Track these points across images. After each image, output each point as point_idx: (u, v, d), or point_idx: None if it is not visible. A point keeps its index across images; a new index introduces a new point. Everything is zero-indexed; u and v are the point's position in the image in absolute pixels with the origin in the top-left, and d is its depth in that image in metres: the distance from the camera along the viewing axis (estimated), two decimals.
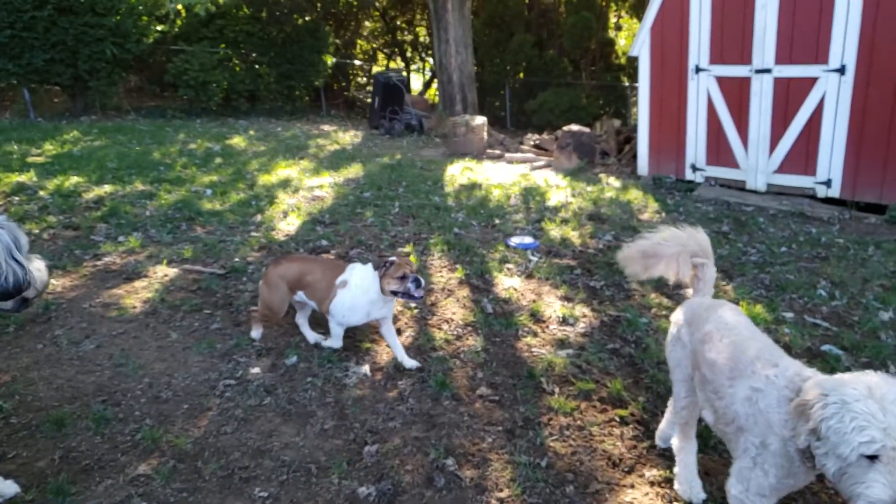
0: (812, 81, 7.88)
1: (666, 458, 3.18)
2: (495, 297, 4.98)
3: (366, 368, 3.90)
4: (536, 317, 4.67)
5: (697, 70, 8.73)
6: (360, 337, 4.27)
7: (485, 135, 11.65)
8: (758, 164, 8.54)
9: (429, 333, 4.36)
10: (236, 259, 5.57)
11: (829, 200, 8.19)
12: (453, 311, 4.73)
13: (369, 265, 3.93)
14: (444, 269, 5.49)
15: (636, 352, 4.21)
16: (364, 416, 3.45)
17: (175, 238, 6.07)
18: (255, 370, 3.88)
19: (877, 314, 4.85)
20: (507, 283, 5.24)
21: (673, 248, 2.93)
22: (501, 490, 2.93)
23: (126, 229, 6.19)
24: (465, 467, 3.07)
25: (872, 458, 1.81)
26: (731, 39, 8.35)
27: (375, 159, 10.11)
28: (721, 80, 8.59)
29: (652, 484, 2.99)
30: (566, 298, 5.00)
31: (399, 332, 4.36)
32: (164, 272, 5.24)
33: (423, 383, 3.77)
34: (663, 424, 3.21)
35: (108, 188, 7.55)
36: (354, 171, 9.08)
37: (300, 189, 7.89)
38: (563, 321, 4.63)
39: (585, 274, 5.53)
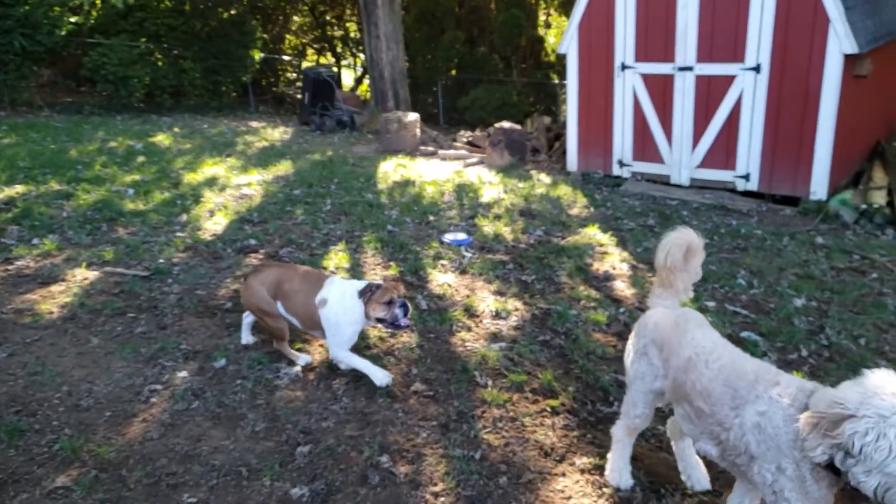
0: (731, 79, 8.21)
1: (595, 445, 3.26)
2: (430, 294, 4.99)
3: (297, 369, 3.83)
4: (470, 312, 4.70)
5: (623, 67, 8.96)
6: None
7: (418, 131, 11.65)
8: (681, 160, 8.84)
9: (362, 332, 4.32)
10: (161, 260, 5.38)
11: (748, 193, 8.55)
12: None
13: (352, 283, 3.66)
14: (377, 266, 5.45)
15: (566, 343, 4.29)
16: (296, 417, 3.39)
17: (95, 240, 5.81)
18: (183, 374, 3.76)
19: (791, 301, 5.10)
20: (442, 280, 5.25)
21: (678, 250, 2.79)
22: (436, 484, 2.94)
23: (41, 231, 5.89)
24: (399, 463, 3.07)
25: None
26: (655, 38, 8.61)
27: (306, 156, 9.95)
28: (646, 78, 8.84)
29: (582, 472, 3.06)
30: (499, 293, 5.06)
31: None
32: (83, 275, 5.01)
33: (357, 382, 3.73)
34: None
35: (19, 188, 7.16)
36: (284, 168, 8.91)
37: (227, 187, 7.69)
38: (496, 315, 4.67)
39: (517, 269, 5.60)
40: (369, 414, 3.44)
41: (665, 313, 2.75)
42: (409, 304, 3.56)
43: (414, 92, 17.83)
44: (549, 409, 3.56)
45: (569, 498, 2.90)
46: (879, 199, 8.02)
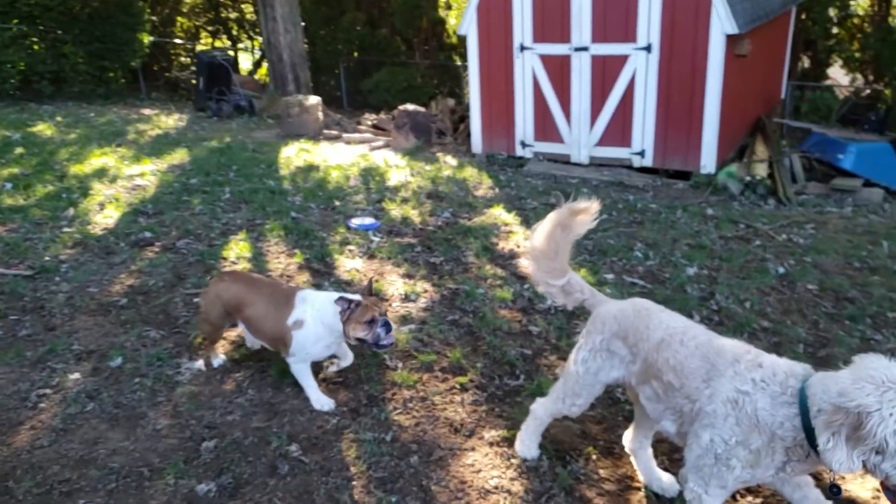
0: (624, 59, 8.51)
1: (503, 418, 3.34)
2: (337, 280, 4.93)
3: (200, 363, 3.70)
4: (379, 296, 4.68)
5: (522, 48, 9.10)
6: (192, 330, 4.04)
7: (320, 115, 11.42)
8: (580, 139, 9.11)
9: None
10: (46, 258, 5.05)
11: (643, 170, 8.93)
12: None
13: (326, 295, 3.37)
14: (281, 255, 5.33)
15: (474, 321, 4.36)
16: (200, 413, 3.29)
17: None
18: (75, 376, 3.56)
19: (684, 270, 5.38)
20: (349, 265, 5.20)
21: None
22: (347, 469, 2.92)
23: None
24: (309, 451, 3.03)
25: None
26: (551, 19, 8.79)
27: (203, 143, 9.56)
28: (544, 59, 9.02)
29: (491, 444, 3.13)
30: (408, 276, 5.06)
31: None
32: None
33: (263, 373, 3.65)
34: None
35: None
36: (180, 156, 8.53)
37: (119, 178, 7.29)
38: (406, 298, 4.68)
39: (426, 251, 5.62)
40: (276, 404, 3.38)
41: (620, 306, 2.75)
42: (391, 322, 3.28)
43: (315, 75, 17.44)
44: (458, 386, 3.61)
45: (478, 471, 2.96)
46: (761, 171, 8.58)
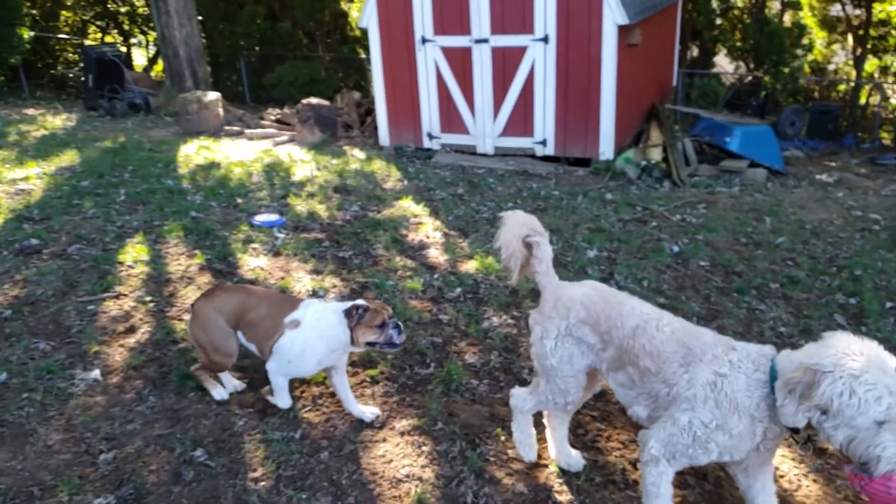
0: (523, 50, 8.68)
1: (414, 407, 3.37)
2: (241, 280, 4.81)
3: (96, 373, 3.53)
4: (287, 293, 4.61)
5: (424, 41, 9.12)
6: (86, 339, 3.85)
7: (221, 111, 11.07)
8: (485, 130, 9.24)
9: (168, 326, 4.07)
10: None
11: (546, 158, 9.16)
12: (195, 298, 4.46)
13: (331, 305, 3.20)
14: (181, 256, 5.15)
15: None
16: (97, 424, 3.14)
17: None
18: None
19: (585, 253, 5.57)
20: (254, 263, 5.09)
21: (506, 236, 2.80)
22: (255, 469, 2.87)
23: None
24: (216, 455, 2.96)
25: (882, 422, 1.94)
26: (451, 11, 8.85)
27: (94, 143, 9.07)
28: (446, 51, 9.08)
29: (402, 434, 3.15)
30: (315, 271, 5.00)
31: (133, 328, 4.02)
32: None
33: (164, 378, 3.53)
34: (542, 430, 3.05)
35: None
36: (69, 158, 8.06)
37: (0, 183, 6.82)
38: (314, 294, 4.62)
39: (334, 245, 5.57)
40: (180, 410, 3.27)
41: (583, 291, 2.69)
42: (400, 323, 3.15)
43: (215, 70, 16.87)
44: (368, 378, 3.61)
45: (390, 461, 2.97)
46: (656, 155, 8.98)
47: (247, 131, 10.95)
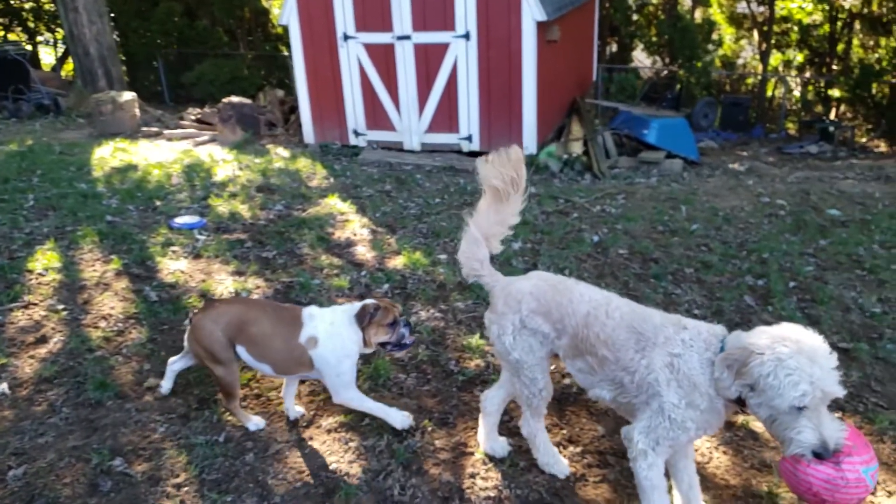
0: (445, 47, 8.75)
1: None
2: (160, 284, 4.67)
3: (3, 386, 3.37)
4: (207, 296, 4.51)
5: (346, 38, 9.07)
6: None
7: (137, 111, 10.68)
8: (411, 126, 9.27)
9: (83, 334, 3.92)
10: None
11: (473, 154, 9.26)
12: (111, 305, 4.32)
13: (333, 310, 3.13)
14: (96, 262, 4.96)
15: None
16: (5, 440, 3.00)
17: None
18: None
19: (510, 245, 5.68)
20: (173, 267, 4.95)
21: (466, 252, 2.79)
22: (178, 475, 2.82)
23: None
24: (135, 463, 2.88)
25: (801, 407, 2.02)
26: (372, 8, 8.82)
27: None
28: (369, 47, 9.05)
29: (329, 432, 3.15)
30: (238, 273, 4.91)
31: (45, 338, 3.86)
32: None
33: (79, 388, 3.40)
34: (488, 431, 3.05)
35: None
36: None
37: None
38: (237, 296, 4.54)
39: (257, 246, 5.48)
40: (96, 420, 3.17)
41: (532, 282, 2.73)
42: (410, 322, 3.10)
43: (131, 70, 16.27)
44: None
45: (317, 459, 2.97)
46: (577, 148, 9.22)
47: (166, 132, 10.61)
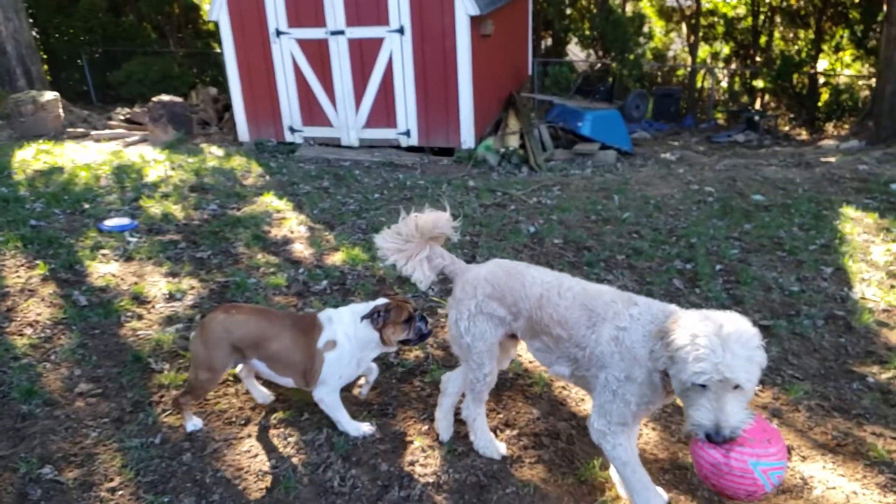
0: (380, 42, 8.74)
1: (280, 401, 3.36)
2: (90, 288, 4.54)
3: None
4: (140, 299, 4.41)
5: (279, 33, 8.96)
6: None
7: (61, 112, 10.30)
8: (348, 122, 9.23)
9: (7, 342, 3.79)
10: None
11: (411, 149, 9.30)
12: (38, 311, 4.18)
13: (351, 310, 3.09)
14: (20, 268, 4.78)
15: None
16: None
17: None
18: None
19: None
20: (104, 270, 4.82)
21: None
22: (112, 479, 2.77)
23: None
24: (66, 470, 2.82)
25: (705, 386, 2.05)
26: (305, 3, 8.74)
27: None
28: (302, 43, 8.97)
29: (267, 429, 3.15)
30: (172, 274, 4.82)
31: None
32: None
33: (5, 398, 3.29)
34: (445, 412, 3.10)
35: None
36: None
37: None
38: (170, 297, 4.46)
39: (191, 246, 5.38)
40: (23, 428, 3.07)
41: (487, 268, 2.79)
42: (424, 314, 3.10)
43: (54, 69, 15.65)
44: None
45: (255, 455, 2.96)
46: (514, 142, 9.36)
47: (93, 133, 10.27)
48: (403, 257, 2.89)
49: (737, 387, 2.04)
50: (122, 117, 11.49)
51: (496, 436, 3.12)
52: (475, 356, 2.79)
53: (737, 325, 2.09)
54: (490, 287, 2.72)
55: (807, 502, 2.75)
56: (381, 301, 3.05)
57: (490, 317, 2.73)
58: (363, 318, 2.99)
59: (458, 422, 3.24)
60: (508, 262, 2.83)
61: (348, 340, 3.00)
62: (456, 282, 2.87)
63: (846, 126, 14.04)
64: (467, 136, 9.01)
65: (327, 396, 3.04)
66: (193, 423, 3.11)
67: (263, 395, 3.31)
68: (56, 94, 10.47)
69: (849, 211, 6.54)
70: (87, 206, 6.24)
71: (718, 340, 2.03)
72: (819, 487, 2.83)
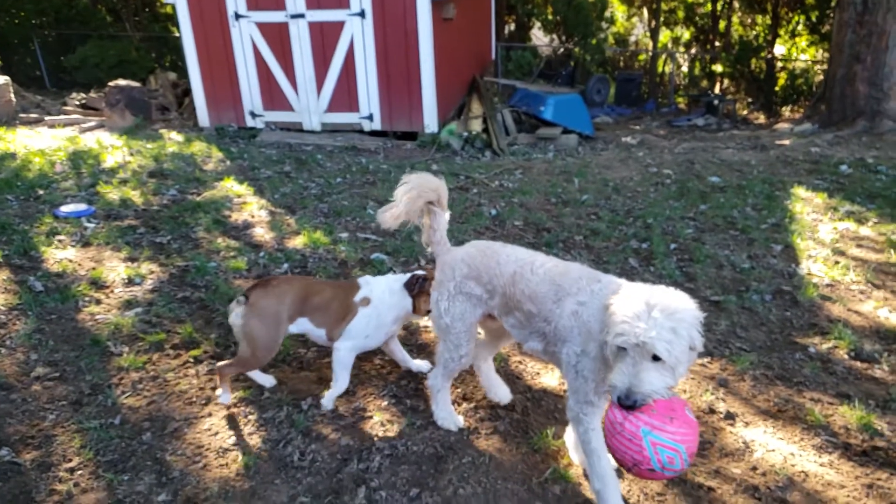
0: (341, 25, 8.69)
1: (240, 381, 3.38)
2: (46, 274, 4.49)
3: None
4: (98, 284, 4.38)
5: (237, 17, 8.84)
6: None
7: (12, 97, 10.03)
8: (309, 106, 9.18)
9: None
10: None
11: (374, 133, 9.29)
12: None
13: (392, 277, 3.30)
14: None
15: (207, 295, 4.29)
16: None
17: None
18: None
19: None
20: (60, 256, 4.76)
21: (408, 193, 2.85)
22: (70, 460, 2.78)
23: None
24: (24, 452, 2.82)
25: (626, 350, 2.10)
26: None
27: None
28: (262, 26, 8.87)
29: (228, 407, 3.17)
30: (130, 259, 4.79)
31: None
32: None
33: None
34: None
35: None
36: None
37: None
38: (129, 282, 4.44)
39: (150, 231, 5.34)
40: None
41: (465, 250, 2.85)
42: None
43: (5, 52, 15.22)
44: (191, 359, 3.57)
45: (216, 433, 2.99)
46: (477, 126, 9.41)
47: (47, 118, 10.05)
48: (404, 216, 2.89)
49: (657, 358, 2.07)
50: (77, 103, 11.24)
51: (454, 409, 3.19)
52: (453, 337, 2.86)
53: (670, 299, 2.12)
54: (467, 267, 2.80)
55: (747, 464, 2.88)
56: (419, 272, 3.25)
57: (468, 296, 2.80)
58: (404, 284, 3.20)
59: (419, 396, 3.31)
60: (485, 243, 2.89)
61: (382, 302, 3.20)
62: (438, 264, 2.94)
63: (801, 110, 14.41)
64: (430, 121, 9.04)
65: (346, 351, 3.17)
66: (227, 395, 3.16)
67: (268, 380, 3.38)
68: (7, 78, 10.19)
69: (800, 191, 6.76)
70: (41, 192, 6.14)
71: (645, 308, 2.09)
72: (759, 450, 2.97)
